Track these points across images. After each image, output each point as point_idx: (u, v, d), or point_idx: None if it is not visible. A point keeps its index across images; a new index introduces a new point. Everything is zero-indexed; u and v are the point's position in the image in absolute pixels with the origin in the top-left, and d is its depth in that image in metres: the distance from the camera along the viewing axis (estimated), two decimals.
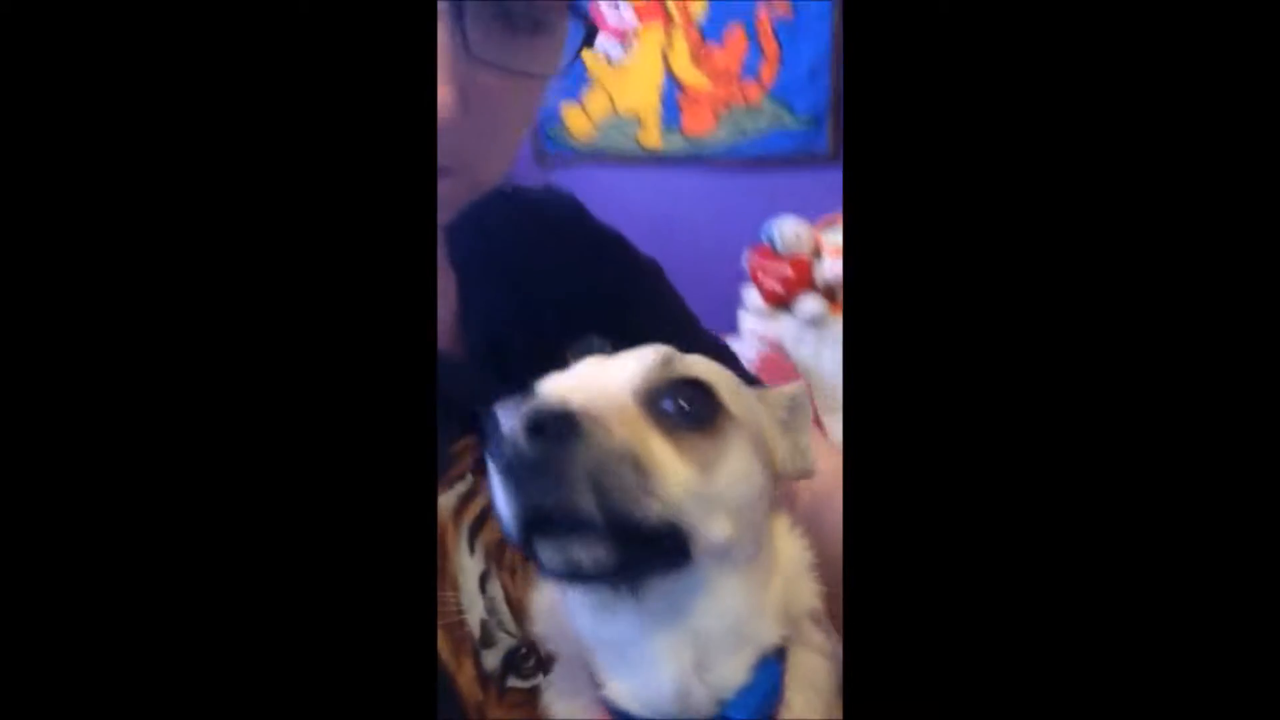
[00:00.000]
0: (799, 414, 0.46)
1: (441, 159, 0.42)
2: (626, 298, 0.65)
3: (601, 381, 0.38)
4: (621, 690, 0.38)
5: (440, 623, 0.47)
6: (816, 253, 2.15)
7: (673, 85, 2.43)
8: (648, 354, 0.39)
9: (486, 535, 0.51)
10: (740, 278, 2.27)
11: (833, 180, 2.25)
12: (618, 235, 0.69)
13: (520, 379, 0.57)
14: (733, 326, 2.25)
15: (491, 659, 0.49)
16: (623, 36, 2.43)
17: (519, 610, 0.49)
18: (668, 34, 2.39)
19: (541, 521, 0.33)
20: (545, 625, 0.43)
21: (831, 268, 2.09)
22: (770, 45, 2.29)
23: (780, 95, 2.29)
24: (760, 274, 2.19)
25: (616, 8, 2.40)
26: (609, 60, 2.45)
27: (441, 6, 0.42)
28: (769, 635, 0.39)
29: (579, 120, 2.54)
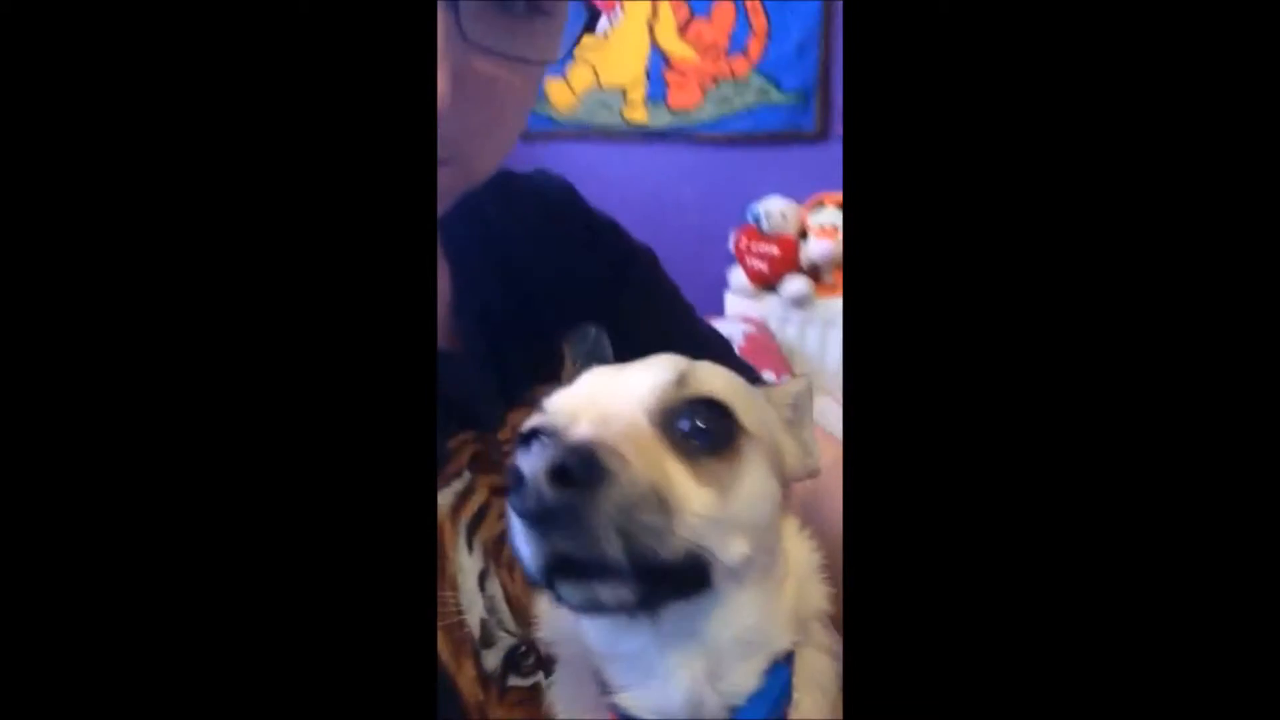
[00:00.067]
0: (803, 412, 0.46)
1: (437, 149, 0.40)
2: (620, 285, 0.64)
3: (613, 399, 0.36)
4: (632, 698, 0.38)
5: (440, 624, 0.47)
6: (803, 233, 2.15)
7: (659, 58, 2.39)
8: (659, 369, 0.38)
9: (484, 532, 0.50)
10: (725, 257, 2.26)
11: (819, 157, 2.25)
12: (611, 221, 0.68)
13: (516, 372, 0.57)
14: (718, 308, 2.24)
15: (492, 659, 0.48)
16: (608, 8, 2.38)
17: (519, 608, 0.49)
18: (654, 6, 2.35)
19: (565, 565, 0.32)
20: (550, 629, 0.43)
21: (817, 247, 2.09)
22: (759, 19, 2.26)
23: (768, 70, 2.27)
24: (746, 254, 2.18)
25: None
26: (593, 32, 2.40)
27: None
28: (781, 641, 0.39)
29: (562, 93, 2.50)
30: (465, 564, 0.49)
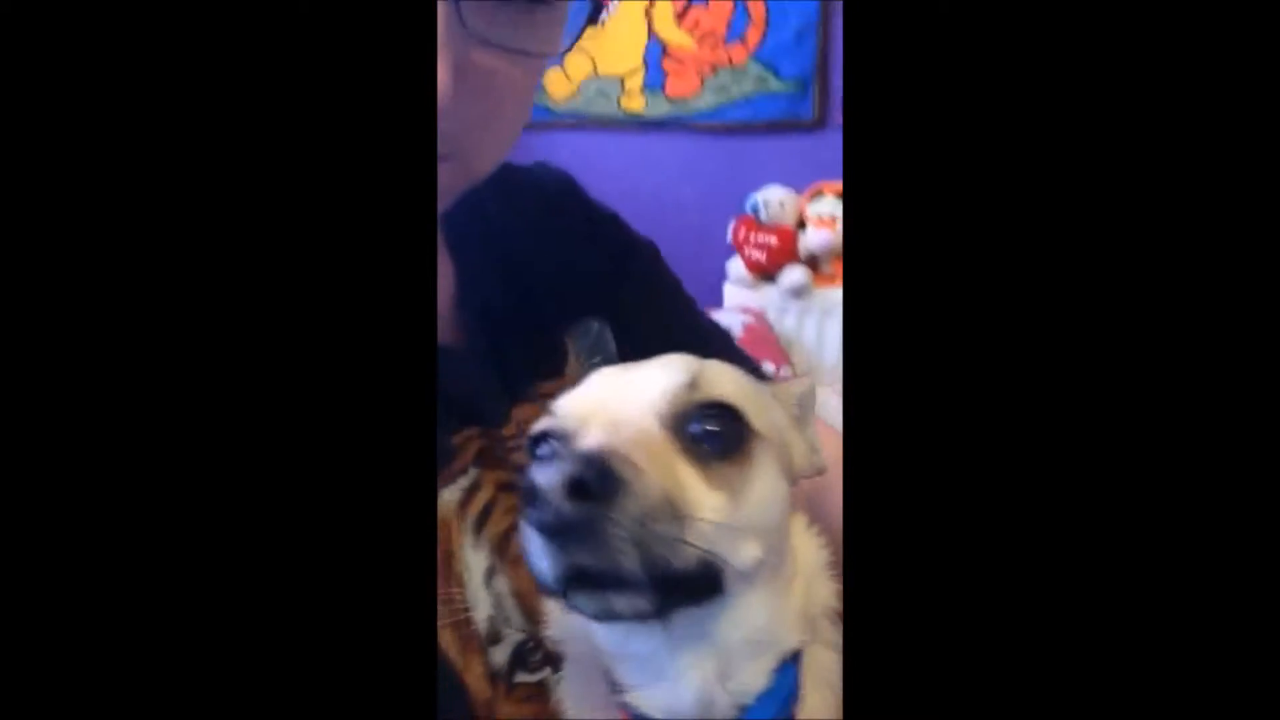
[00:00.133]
0: (808, 410, 0.46)
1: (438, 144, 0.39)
2: (621, 278, 0.63)
3: (623, 402, 0.36)
4: (642, 697, 0.38)
5: (447, 621, 0.47)
6: (801, 223, 2.14)
7: (657, 46, 2.37)
8: (669, 371, 0.38)
9: (491, 529, 0.50)
10: (724, 248, 2.26)
11: (817, 146, 2.24)
12: (612, 214, 0.68)
13: (519, 367, 0.56)
14: (717, 299, 2.24)
15: (499, 655, 0.49)
16: None
17: (526, 604, 0.49)
18: None
19: (582, 577, 0.32)
20: (559, 628, 0.43)
21: (816, 237, 2.09)
22: (757, 6, 2.24)
23: (766, 58, 2.25)
24: (744, 244, 2.18)
25: None
26: None
27: None
28: (790, 640, 0.39)
29: (559, 83, 2.48)
30: (472, 560, 0.49)
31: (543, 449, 0.36)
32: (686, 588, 0.34)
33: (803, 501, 0.49)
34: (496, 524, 0.51)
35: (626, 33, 2.38)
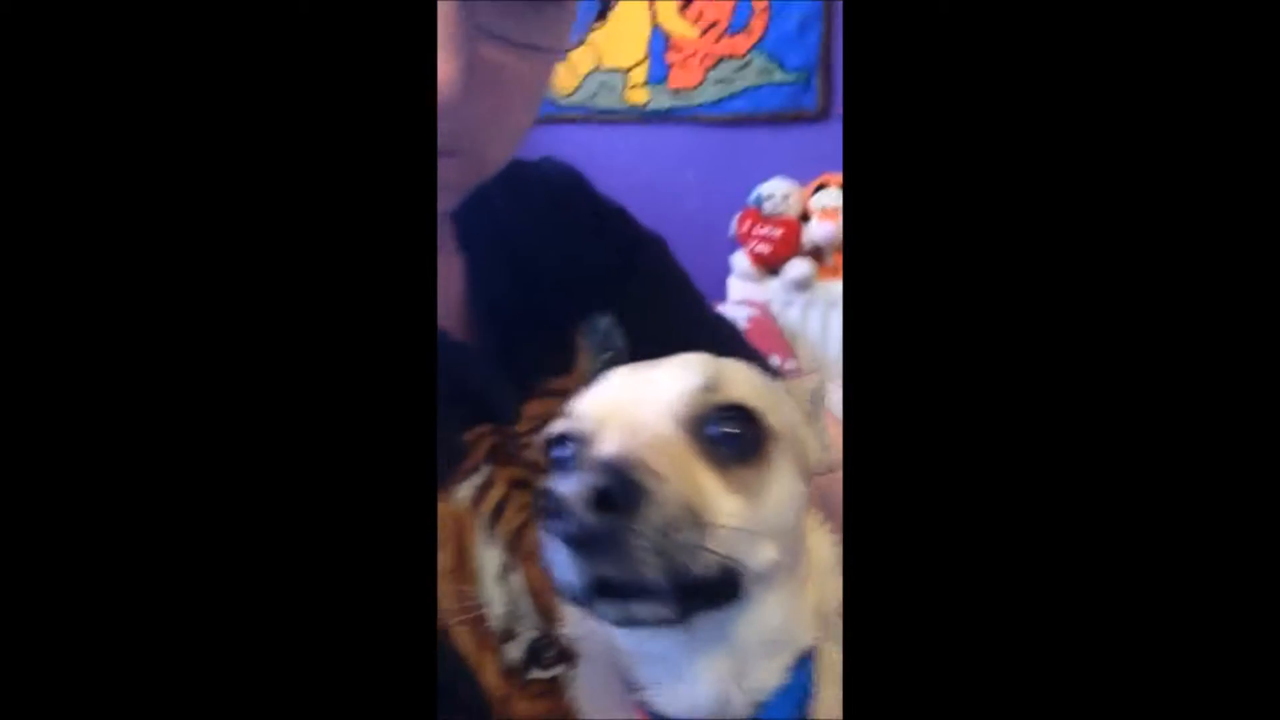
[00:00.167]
0: (819, 407, 0.45)
1: (445, 140, 0.39)
2: (629, 272, 0.63)
3: (640, 405, 0.36)
4: (659, 695, 0.38)
5: (461, 619, 0.47)
6: (805, 215, 2.14)
7: (660, 38, 2.36)
8: (687, 373, 0.38)
9: (504, 525, 0.50)
10: (727, 241, 2.25)
11: (821, 138, 2.23)
12: (619, 208, 0.68)
13: (529, 363, 0.56)
14: (721, 292, 2.24)
15: (513, 651, 0.49)
16: None
17: (540, 600, 0.49)
18: None
19: (605, 587, 0.33)
20: (576, 627, 0.43)
21: (820, 229, 2.08)
22: None
23: (769, 49, 2.24)
24: (748, 237, 2.17)
25: None
26: None
27: None
28: (805, 639, 0.40)
29: (563, 75, 2.47)
30: (485, 557, 0.49)
31: (560, 451, 0.36)
32: (707, 593, 0.34)
33: (815, 496, 0.49)
34: (510, 521, 0.51)
35: (630, 25, 2.37)
